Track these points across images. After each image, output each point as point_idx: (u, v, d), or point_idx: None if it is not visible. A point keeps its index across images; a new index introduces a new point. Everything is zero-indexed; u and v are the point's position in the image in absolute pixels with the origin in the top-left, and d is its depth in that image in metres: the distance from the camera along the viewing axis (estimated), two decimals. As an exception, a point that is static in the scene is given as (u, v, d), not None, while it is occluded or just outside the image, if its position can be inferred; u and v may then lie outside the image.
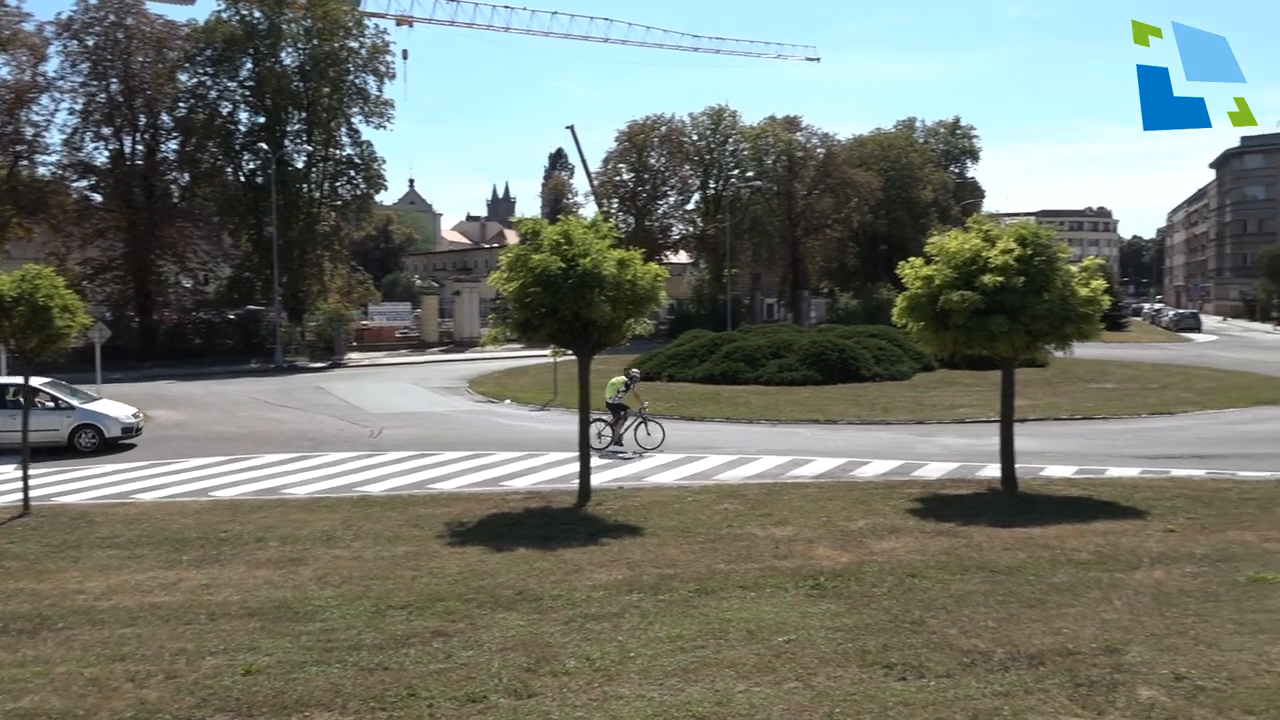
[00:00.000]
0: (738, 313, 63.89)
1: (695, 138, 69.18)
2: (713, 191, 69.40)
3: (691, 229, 70.33)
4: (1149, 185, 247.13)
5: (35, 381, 22.97)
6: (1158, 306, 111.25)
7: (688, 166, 68.69)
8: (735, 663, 8.05)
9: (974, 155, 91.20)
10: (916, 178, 75.25)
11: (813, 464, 19.10)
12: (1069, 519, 13.38)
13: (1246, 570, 10.53)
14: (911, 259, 15.87)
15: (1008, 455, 16.17)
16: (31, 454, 21.29)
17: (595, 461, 18.39)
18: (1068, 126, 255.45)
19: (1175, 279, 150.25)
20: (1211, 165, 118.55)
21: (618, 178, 68.12)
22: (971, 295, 14.73)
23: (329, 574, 11.22)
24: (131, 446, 22.45)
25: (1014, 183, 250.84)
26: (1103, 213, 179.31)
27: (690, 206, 70.69)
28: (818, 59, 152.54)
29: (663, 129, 67.88)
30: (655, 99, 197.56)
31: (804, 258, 70.61)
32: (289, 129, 51.70)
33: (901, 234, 68.56)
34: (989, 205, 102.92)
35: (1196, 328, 77.07)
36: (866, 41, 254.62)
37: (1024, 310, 14.80)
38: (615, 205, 67.66)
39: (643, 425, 21.36)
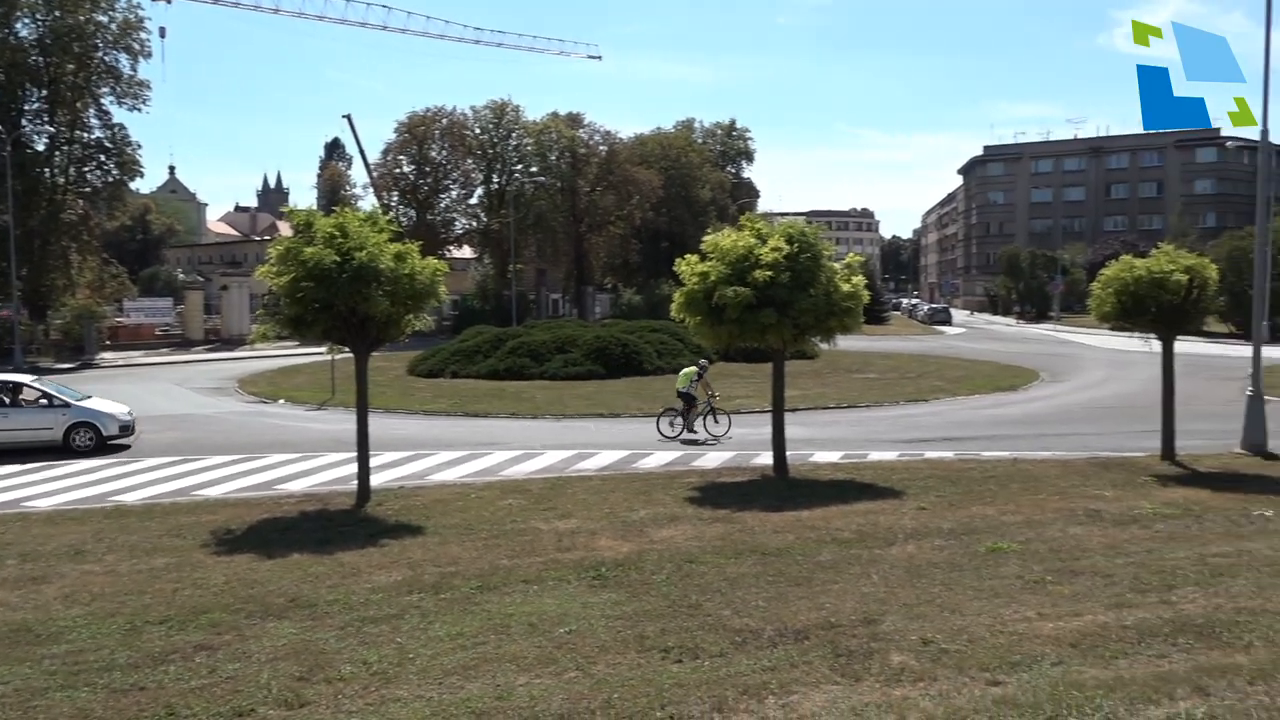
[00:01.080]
0: (523, 308, 63.78)
1: (478, 131, 68.52)
2: (496, 186, 68.96)
3: (475, 223, 69.62)
4: (907, 189, 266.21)
5: (23, 377, 22.60)
6: (914, 301, 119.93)
7: (470, 160, 67.93)
8: (516, 656, 8.06)
9: (749, 157, 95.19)
10: (696, 177, 77.67)
11: (597, 457, 19.34)
12: (834, 501, 14.18)
13: (986, 542, 11.56)
14: (688, 256, 16.36)
15: (779, 443, 17.01)
16: (23, 454, 20.39)
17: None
18: (836, 133, 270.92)
19: (930, 276, 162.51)
20: (960, 172, 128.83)
21: (398, 170, 66.49)
22: (744, 291, 15.37)
23: (77, 591, 10.36)
24: (126, 447, 21.38)
25: (787, 184, 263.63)
26: (866, 214, 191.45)
27: (474, 201, 70.03)
28: (599, 57, 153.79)
29: (444, 121, 66.79)
30: (436, 91, 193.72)
31: (588, 254, 71.42)
32: (27, 108, 47.23)
33: (682, 231, 70.61)
34: (764, 205, 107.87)
35: (948, 321, 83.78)
36: (646, 42, 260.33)
37: (792, 305, 15.59)
38: (396, 198, 66.03)
39: (711, 414, 22.40)
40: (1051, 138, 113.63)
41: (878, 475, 16.45)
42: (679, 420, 22.25)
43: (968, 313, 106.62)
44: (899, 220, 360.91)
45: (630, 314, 61.11)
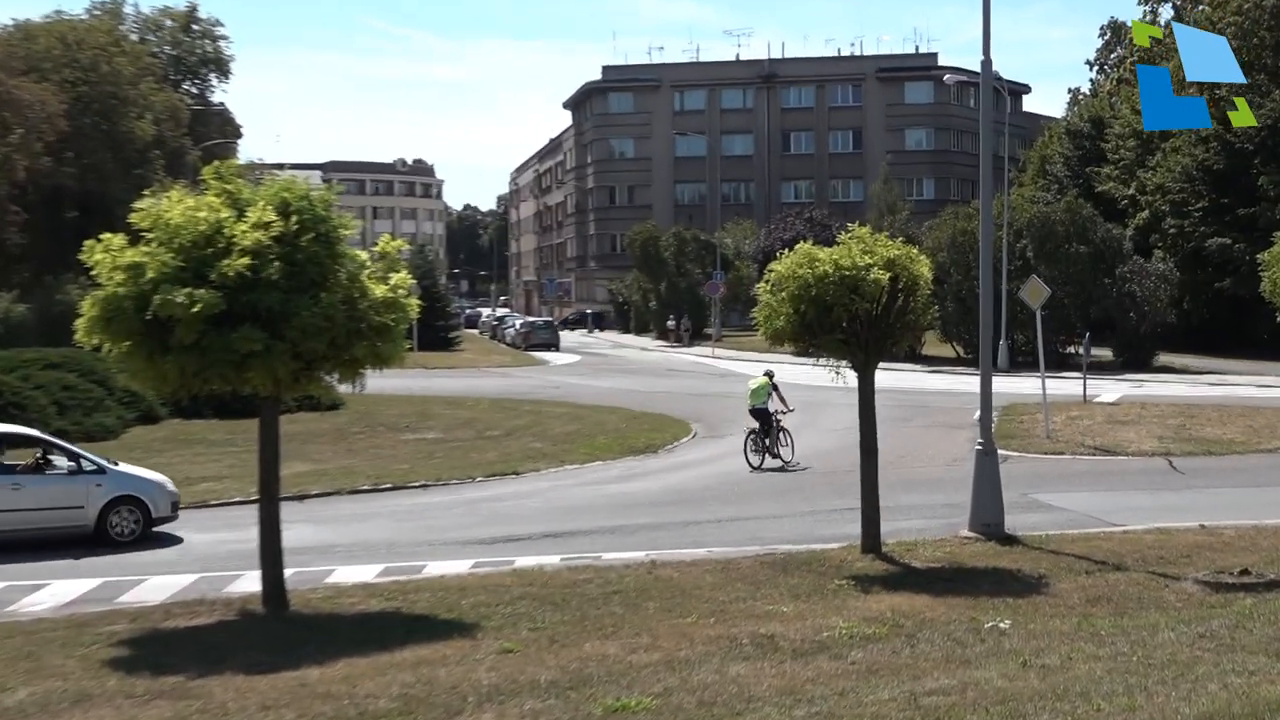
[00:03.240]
0: None
1: None
2: None
3: None
4: (487, 130, 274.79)
5: (29, 430, 25.17)
6: (502, 313, 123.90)
7: None
8: None
9: (222, 68, 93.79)
10: (128, 99, 75.26)
11: (-62, 597, 18.52)
12: (367, 648, 14.28)
13: (605, 699, 12.07)
14: (109, 237, 15.87)
15: (273, 554, 16.78)
16: (39, 548, 22.04)
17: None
18: (364, 32, 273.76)
19: (525, 271, 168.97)
20: (567, 106, 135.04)
21: None
22: (207, 295, 15.07)
23: None
24: (176, 539, 23.17)
25: (288, 117, 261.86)
26: (421, 169, 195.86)
27: None
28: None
29: None
30: None
31: (-72, 229, 66.88)
32: None
33: (105, 192, 68.08)
34: (248, 151, 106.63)
35: (554, 344, 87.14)
36: None
37: (290, 319, 15.48)
38: None
39: (780, 433, 30.21)
40: (703, 57, 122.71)
41: (438, 600, 16.78)
42: (757, 445, 30.19)
43: (585, 330, 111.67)
44: (475, 182, 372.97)
45: (10, 337, 57.79)
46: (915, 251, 19.84)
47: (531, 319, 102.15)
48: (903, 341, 20.36)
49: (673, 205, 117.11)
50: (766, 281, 19.58)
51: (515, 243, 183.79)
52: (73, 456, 23.45)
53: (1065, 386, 42.71)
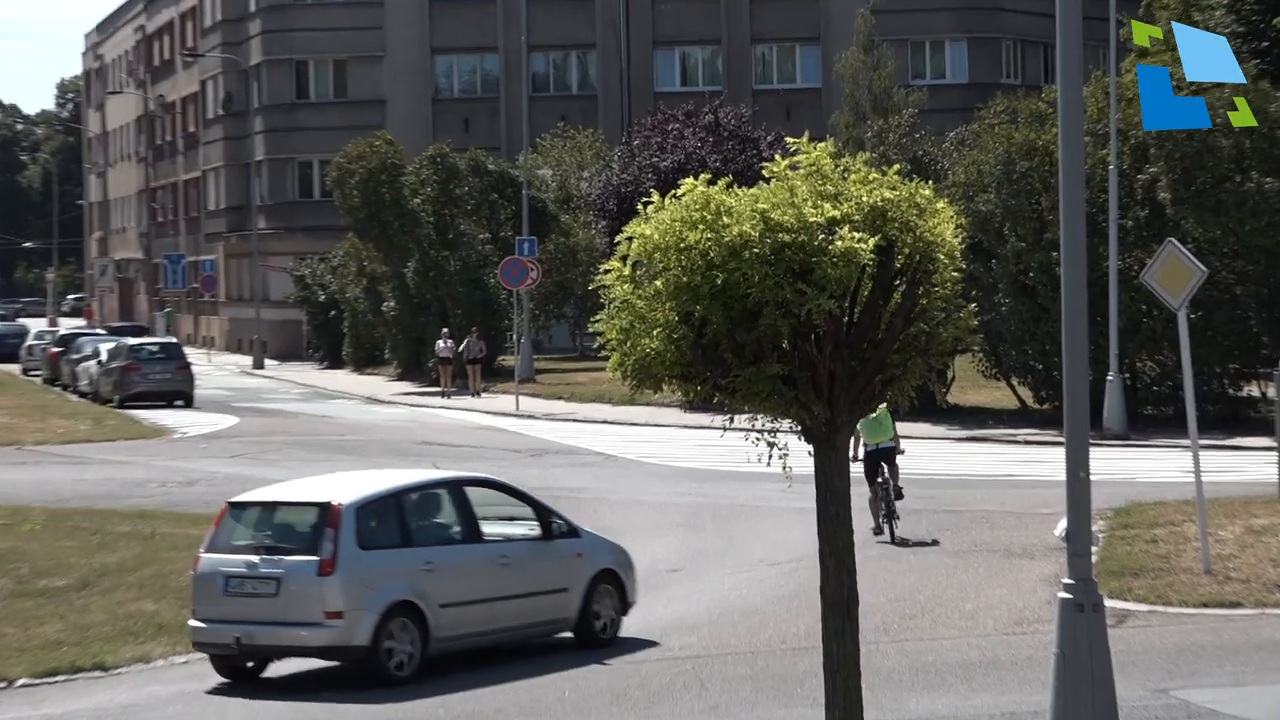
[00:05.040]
0: None
1: None
2: None
3: None
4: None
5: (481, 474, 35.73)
6: (72, 328, 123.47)
7: None
8: None
9: None
10: None
11: None
12: None
13: None
14: None
15: None
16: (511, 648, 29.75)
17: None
18: None
19: (120, 242, 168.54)
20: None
21: None
22: None
23: None
24: (651, 643, 30.37)
25: None
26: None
27: None
28: None
29: None
30: None
31: None
32: None
33: None
34: None
35: (182, 393, 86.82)
36: None
37: None
38: None
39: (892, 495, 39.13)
40: None
41: None
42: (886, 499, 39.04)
43: (273, 363, 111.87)
44: (12, 58, 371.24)
45: None
46: (930, 193, 19.21)
47: (136, 341, 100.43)
48: (907, 378, 19.67)
49: (429, 101, 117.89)
50: (623, 258, 18.90)
51: (99, 182, 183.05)
52: (541, 512, 30.65)
53: (1241, 465, 43.06)
